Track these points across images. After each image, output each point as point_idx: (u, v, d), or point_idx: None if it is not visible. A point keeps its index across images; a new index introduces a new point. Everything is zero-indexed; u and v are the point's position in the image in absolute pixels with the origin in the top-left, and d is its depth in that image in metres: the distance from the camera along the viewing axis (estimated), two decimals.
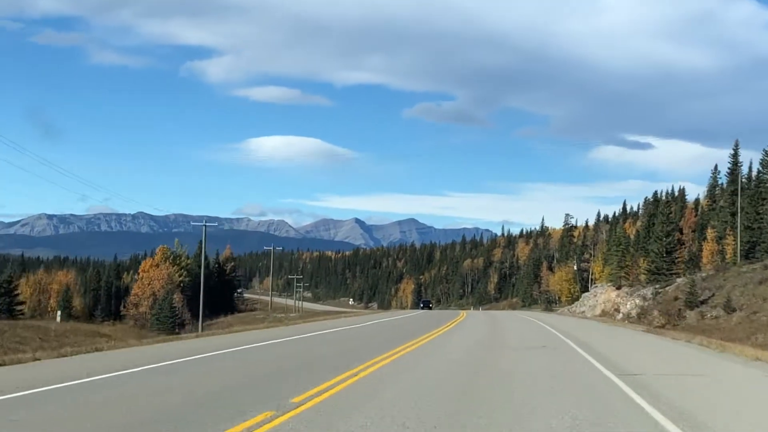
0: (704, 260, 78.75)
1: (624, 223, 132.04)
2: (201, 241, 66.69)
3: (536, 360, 17.00)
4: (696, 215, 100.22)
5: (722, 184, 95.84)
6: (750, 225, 61.69)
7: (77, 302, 77.23)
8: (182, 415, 8.88)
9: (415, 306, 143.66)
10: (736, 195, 72.61)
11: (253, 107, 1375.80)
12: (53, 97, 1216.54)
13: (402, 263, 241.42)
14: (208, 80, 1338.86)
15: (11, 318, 61.93)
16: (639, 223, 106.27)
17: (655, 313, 46.64)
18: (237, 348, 19.79)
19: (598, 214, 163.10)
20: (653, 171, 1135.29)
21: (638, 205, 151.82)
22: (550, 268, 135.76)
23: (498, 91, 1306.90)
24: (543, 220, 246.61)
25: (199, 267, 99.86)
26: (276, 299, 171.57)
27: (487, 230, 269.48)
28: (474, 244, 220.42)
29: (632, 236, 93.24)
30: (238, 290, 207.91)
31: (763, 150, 67.42)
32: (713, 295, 46.00)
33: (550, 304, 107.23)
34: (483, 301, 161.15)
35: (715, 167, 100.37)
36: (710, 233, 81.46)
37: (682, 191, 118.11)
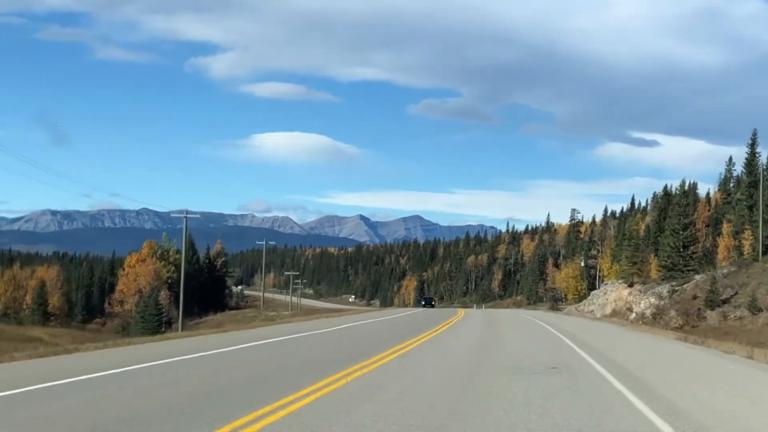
0: (720, 256, 74.68)
1: (633, 218, 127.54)
2: (186, 235, 62.41)
3: (544, 402, 9.93)
4: (709, 210, 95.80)
5: (737, 176, 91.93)
6: None
7: (55, 300, 73.22)
8: None
9: (418, 304, 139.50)
10: (754, 187, 68.39)
11: (258, 103, 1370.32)
12: (58, 93, 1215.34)
13: (405, 260, 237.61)
14: (212, 76, 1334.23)
15: None
16: (648, 219, 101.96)
17: (672, 313, 42.46)
18: (199, 354, 16.71)
19: (605, 210, 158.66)
20: (659, 168, 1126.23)
21: (646, 201, 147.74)
22: (556, 265, 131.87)
23: (504, 87, 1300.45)
24: (549, 215, 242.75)
25: (189, 263, 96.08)
26: (277, 296, 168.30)
27: (492, 227, 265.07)
28: (478, 241, 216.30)
29: (642, 232, 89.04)
30: (239, 287, 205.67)
31: None
32: (736, 293, 41.83)
33: (556, 302, 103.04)
34: (486, 298, 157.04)
35: (730, 159, 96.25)
36: (726, 228, 77.36)
37: (694, 185, 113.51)
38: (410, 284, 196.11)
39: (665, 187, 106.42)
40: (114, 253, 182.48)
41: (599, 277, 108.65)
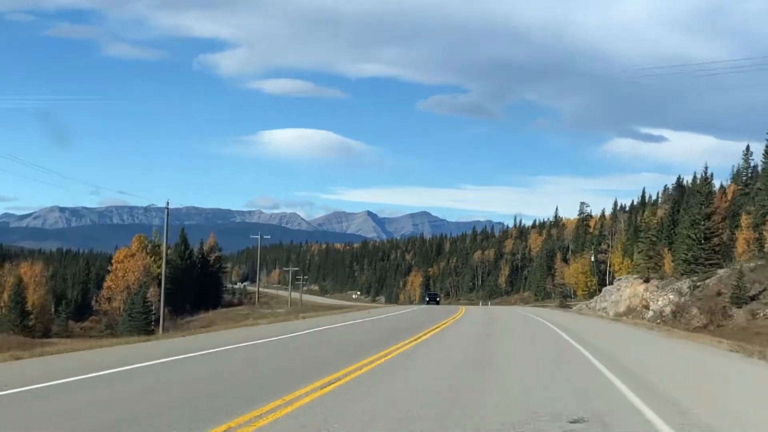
0: (739, 250, 70.80)
1: (651, 207, 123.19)
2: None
3: None
4: (725, 201, 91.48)
5: (754, 166, 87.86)
6: None
7: (34, 298, 69.61)
8: None
9: (423, 300, 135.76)
10: None
11: (266, 100, 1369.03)
12: (66, 90, 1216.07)
13: (411, 255, 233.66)
14: (221, 73, 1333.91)
15: None
16: (661, 212, 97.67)
17: (694, 311, 38.43)
18: (160, 360, 14.52)
19: (615, 203, 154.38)
20: (666, 164, 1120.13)
21: (657, 193, 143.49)
22: (565, 260, 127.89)
23: (512, 83, 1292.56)
24: (557, 209, 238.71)
25: (181, 258, 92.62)
26: (281, 292, 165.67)
27: (500, 223, 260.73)
28: (485, 236, 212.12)
29: (656, 225, 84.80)
30: (243, 283, 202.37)
31: None
32: (765, 289, 37.84)
33: (564, 298, 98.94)
34: (493, 294, 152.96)
35: (747, 148, 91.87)
36: (744, 220, 73.30)
37: (710, 175, 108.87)
38: (416, 280, 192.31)
39: (678, 177, 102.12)
40: (116, 249, 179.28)
41: (610, 272, 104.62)
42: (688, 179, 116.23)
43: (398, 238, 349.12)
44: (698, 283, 40.11)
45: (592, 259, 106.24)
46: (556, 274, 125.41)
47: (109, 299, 78.49)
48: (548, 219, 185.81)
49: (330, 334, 24.71)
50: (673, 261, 72.02)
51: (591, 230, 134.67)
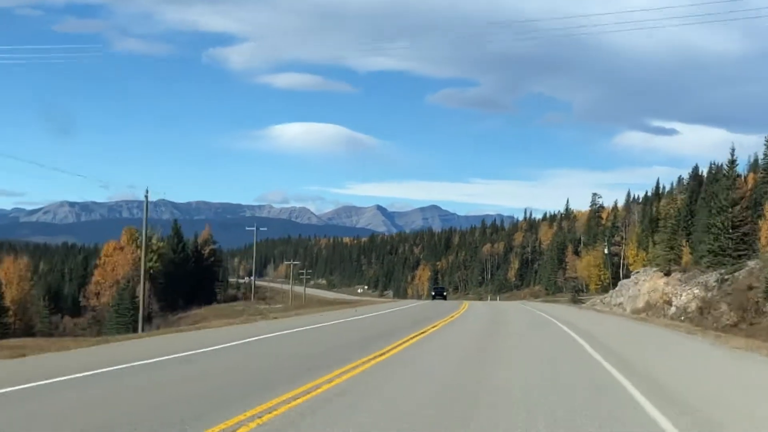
0: (762, 240, 66.51)
1: (660, 201, 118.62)
2: (147, 218, 54.94)
3: None
4: (747, 191, 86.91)
5: None
6: None
7: (14, 294, 66.07)
8: None
9: (429, 294, 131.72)
10: None
11: (276, 94, 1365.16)
12: (75, 85, 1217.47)
13: (419, 249, 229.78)
14: (230, 67, 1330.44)
15: None
16: (678, 202, 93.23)
17: (723, 307, 34.38)
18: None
19: (629, 194, 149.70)
20: (678, 157, 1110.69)
21: (671, 184, 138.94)
22: (576, 253, 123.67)
23: (522, 76, 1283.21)
24: (568, 201, 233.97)
25: (174, 251, 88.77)
26: (286, 287, 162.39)
27: (510, 216, 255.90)
28: (494, 229, 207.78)
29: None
30: (249, 277, 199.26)
31: None
32: None
33: (577, 293, 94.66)
34: (503, 288, 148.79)
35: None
36: None
37: (731, 164, 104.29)
38: (424, 274, 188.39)
39: (695, 167, 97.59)
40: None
41: (624, 265, 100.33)
42: (703, 170, 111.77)
43: (408, 232, 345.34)
44: (726, 276, 36.16)
45: (605, 251, 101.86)
46: (568, 267, 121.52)
47: (97, 294, 74.88)
48: (559, 211, 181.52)
49: (276, 345, 19.93)
50: (691, 253, 67.83)
51: (603, 222, 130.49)
